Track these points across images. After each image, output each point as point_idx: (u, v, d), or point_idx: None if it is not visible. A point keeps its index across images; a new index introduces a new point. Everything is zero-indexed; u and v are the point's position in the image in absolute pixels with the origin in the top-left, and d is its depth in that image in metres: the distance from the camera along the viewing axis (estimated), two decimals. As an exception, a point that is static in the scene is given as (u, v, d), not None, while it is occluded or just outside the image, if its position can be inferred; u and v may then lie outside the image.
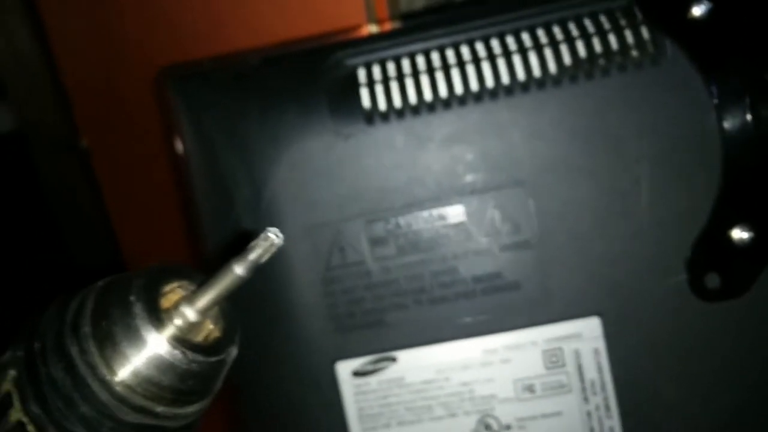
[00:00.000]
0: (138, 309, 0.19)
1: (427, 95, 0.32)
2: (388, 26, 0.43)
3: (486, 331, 0.33)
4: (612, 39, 0.31)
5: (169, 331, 0.19)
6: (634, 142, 0.31)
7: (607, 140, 0.31)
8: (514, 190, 0.32)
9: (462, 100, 0.32)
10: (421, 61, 0.33)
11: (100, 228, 0.64)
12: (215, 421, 0.29)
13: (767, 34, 0.29)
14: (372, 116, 0.32)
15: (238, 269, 0.19)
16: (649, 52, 0.30)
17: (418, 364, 0.33)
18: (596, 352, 0.32)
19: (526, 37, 0.32)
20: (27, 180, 0.68)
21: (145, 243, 0.62)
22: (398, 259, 0.33)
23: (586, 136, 0.31)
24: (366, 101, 0.32)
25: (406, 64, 0.33)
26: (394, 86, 0.32)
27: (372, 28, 0.42)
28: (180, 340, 0.19)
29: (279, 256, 0.33)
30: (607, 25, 0.31)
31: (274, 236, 0.19)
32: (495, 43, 0.32)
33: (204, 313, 0.19)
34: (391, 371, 0.33)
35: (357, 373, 0.33)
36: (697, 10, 0.29)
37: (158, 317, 0.19)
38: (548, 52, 0.31)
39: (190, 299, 0.19)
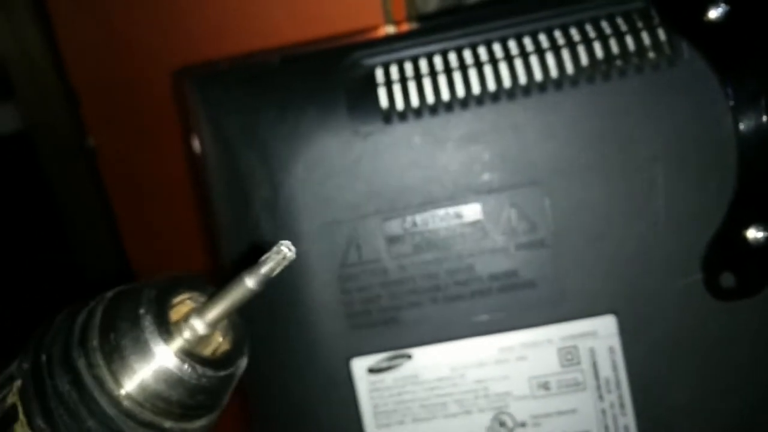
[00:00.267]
0: (147, 322, 0.18)
1: (445, 95, 0.32)
2: (405, 27, 0.43)
3: (501, 328, 0.33)
4: (629, 40, 0.31)
5: (178, 344, 0.19)
6: (651, 143, 0.31)
7: (624, 141, 0.31)
8: (530, 190, 0.32)
9: (479, 100, 0.32)
10: (438, 61, 0.33)
11: (105, 229, 0.64)
12: (229, 416, 0.29)
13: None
14: (390, 115, 0.32)
15: (250, 282, 0.19)
16: (665, 54, 0.31)
17: (433, 361, 0.33)
18: (611, 350, 0.32)
19: (543, 38, 0.32)
20: (33, 180, 0.68)
21: (150, 244, 0.62)
22: (414, 257, 0.33)
23: (603, 137, 0.31)
24: (384, 101, 0.33)
25: (423, 64, 0.33)
26: (412, 86, 0.33)
27: (389, 29, 0.42)
28: (189, 354, 0.19)
29: (297, 254, 0.34)
30: (624, 27, 0.31)
31: (286, 249, 0.19)
32: (512, 44, 0.32)
33: (213, 326, 0.19)
34: (406, 368, 0.33)
35: (372, 370, 0.34)
36: (713, 13, 0.30)
37: (167, 330, 0.19)
38: (565, 53, 0.31)
39: (199, 312, 0.19)
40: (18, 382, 0.19)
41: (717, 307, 0.31)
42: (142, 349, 0.18)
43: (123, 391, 0.18)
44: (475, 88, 0.32)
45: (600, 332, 0.32)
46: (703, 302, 0.31)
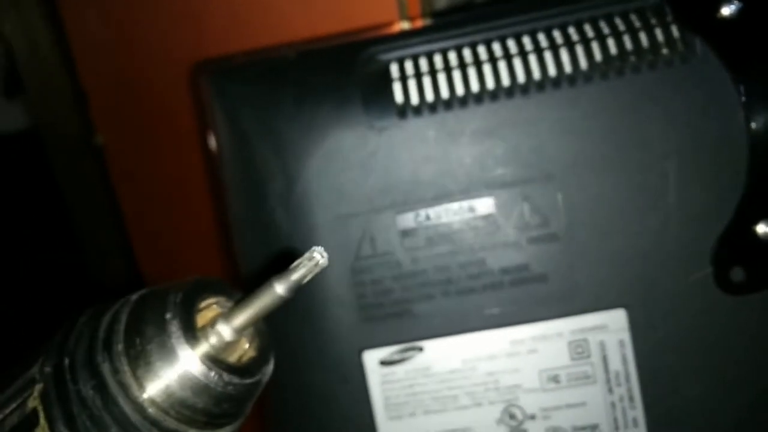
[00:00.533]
0: (174, 327, 0.18)
1: (459, 90, 0.33)
2: (420, 23, 0.44)
3: (513, 322, 0.33)
4: (642, 37, 0.31)
5: (205, 350, 0.18)
6: (663, 139, 0.31)
7: (636, 136, 0.31)
8: (543, 184, 0.32)
9: (493, 96, 0.32)
10: (453, 56, 0.33)
11: (112, 227, 0.64)
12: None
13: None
14: (404, 110, 0.33)
15: (280, 288, 0.18)
16: (678, 51, 0.31)
17: (445, 354, 0.34)
18: (621, 343, 0.32)
19: (557, 34, 0.32)
20: (41, 178, 0.68)
21: (157, 242, 0.62)
22: (427, 250, 0.33)
23: (616, 132, 0.32)
24: (399, 95, 0.33)
25: (438, 59, 0.33)
26: (426, 81, 0.33)
27: (404, 25, 0.43)
28: (215, 360, 0.18)
29: (310, 247, 0.34)
30: (637, 23, 0.32)
31: (318, 256, 0.18)
32: (526, 40, 0.33)
33: (240, 332, 0.19)
34: (418, 361, 0.34)
35: (384, 362, 0.34)
36: (726, 10, 0.30)
37: (194, 336, 0.18)
38: (579, 49, 0.32)
39: (226, 317, 0.19)
40: (39, 386, 0.19)
41: (727, 301, 0.31)
42: (168, 355, 0.18)
43: (148, 398, 0.18)
44: (489, 84, 0.32)
45: (610, 326, 0.32)
46: (713, 297, 0.31)
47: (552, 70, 0.32)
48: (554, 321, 0.33)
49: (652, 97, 0.31)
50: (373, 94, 0.33)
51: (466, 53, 0.33)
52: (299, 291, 0.19)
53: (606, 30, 0.32)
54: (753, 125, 0.30)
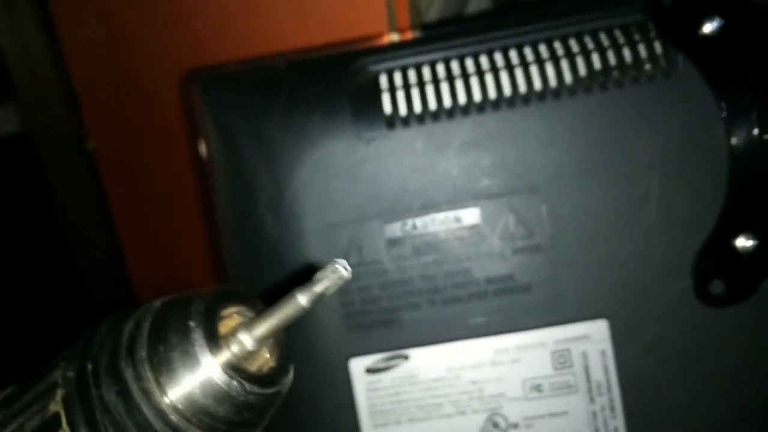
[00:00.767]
0: (197, 335, 0.18)
1: (447, 102, 0.33)
2: (409, 35, 0.44)
3: (497, 331, 0.34)
4: (626, 52, 0.32)
5: (227, 359, 0.18)
6: (645, 152, 0.32)
7: (619, 149, 0.32)
8: (528, 196, 0.33)
9: (480, 108, 0.33)
10: (441, 69, 0.34)
11: (103, 231, 0.64)
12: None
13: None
14: (393, 121, 0.33)
15: (303, 300, 0.18)
16: (661, 66, 0.32)
17: (430, 362, 0.34)
18: (603, 354, 0.33)
19: (543, 48, 0.33)
20: (33, 181, 0.68)
21: (148, 247, 0.62)
22: (414, 260, 0.34)
23: (599, 145, 0.32)
24: (387, 106, 0.34)
25: (426, 71, 0.34)
26: (415, 92, 0.34)
27: (393, 37, 0.43)
28: (237, 369, 0.18)
29: (298, 255, 0.34)
30: (621, 39, 0.32)
31: (342, 269, 0.18)
32: (513, 54, 0.33)
33: (262, 342, 0.19)
34: (403, 369, 0.34)
35: (370, 370, 0.34)
36: (708, 27, 0.31)
37: (217, 344, 0.18)
38: (564, 64, 0.32)
39: (248, 326, 0.19)
40: (61, 390, 0.19)
41: (707, 313, 0.32)
42: (191, 363, 0.18)
43: (170, 405, 0.18)
44: (477, 96, 0.33)
45: (592, 336, 0.33)
46: (694, 308, 0.32)
47: (538, 84, 0.32)
48: (538, 331, 0.33)
49: (635, 111, 0.32)
50: (362, 104, 0.34)
51: (454, 66, 0.34)
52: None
53: (590, 45, 0.32)
54: (733, 140, 0.31)
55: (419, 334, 0.34)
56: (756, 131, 0.31)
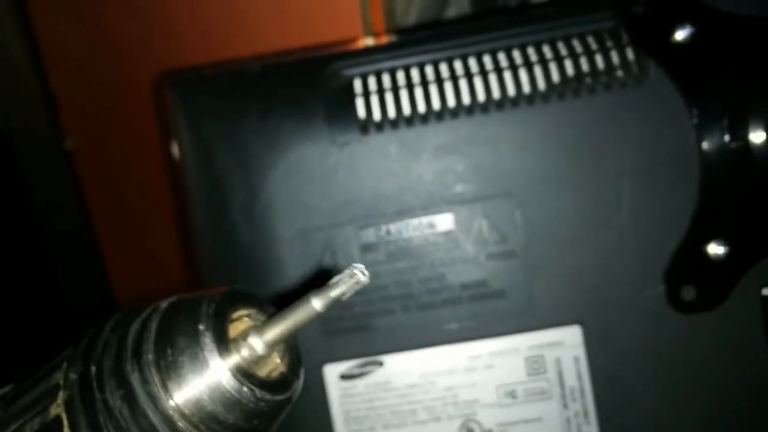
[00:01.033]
0: (207, 339, 0.17)
1: (421, 107, 0.33)
2: (384, 39, 0.44)
3: (471, 337, 0.34)
4: (598, 59, 0.32)
5: (237, 364, 0.18)
6: (618, 158, 0.32)
7: (592, 155, 0.32)
8: (502, 201, 0.33)
9: (454, 113, 0.33)
10: (415, 73, 0.34)
11: (82, 231, 0.64)
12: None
13: (746, 58, 0.31)
14: (367, 126, 0.33)
15: (317, 304, 0.17)
16: (633, 73, 0.32)
17: (404, 368, 0.34)
18: (576, 359, 0.33)
19: (517, 54, 0.33)
20: (10, 179, 0.68)
21: (128, 246, 0.62)
22: (387, 265, 0.34)
23: (572, 151, 0.32)
24: (361, 111, 0.33)
25: (401, 76, 0.34)
26: (389, 97, 0.33)
27: (368, 41, 0.43)
28: (247, 375, 0.18)
29: (272, 259, 0.34)
30: (594, 46, 0.32)
31: (360, 273, 0.18)
32: (487, 59, 0.33)
33: (273, 346, 0.18)
34: (378, 375, 0.34)
35: (344, 376, 0.34)
36: (680, 34, 0.31)
37: (227, 349, 0.18)
38: (538, 70, 0.32)
39: (259, 330, 0.18)
40: (63, 393, 0.18)
41: (678, 319, 0.32)
42: (200, 367, 0.17)
43: (177, 410, 0.17)
44: (451, 101, 0.33)
45: (566, 342, 0.33)
46: (665, 314, 0.32)
47: (511, 90, 0.32)
48: (511, 337, 0.33)
49: (607, 117, 0.32)
50: (336, 109, 0.34)
51: (429, 71, 0.34)
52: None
53: (564, 51, 0.32)
54: (704, 146, 0.31)
55: (393, 340, 0.34)
56: (727, 138, 0.31)
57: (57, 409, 0.18)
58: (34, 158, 0.65)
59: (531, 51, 0.33)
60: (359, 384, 0.34)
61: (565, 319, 0.33)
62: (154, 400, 0.17)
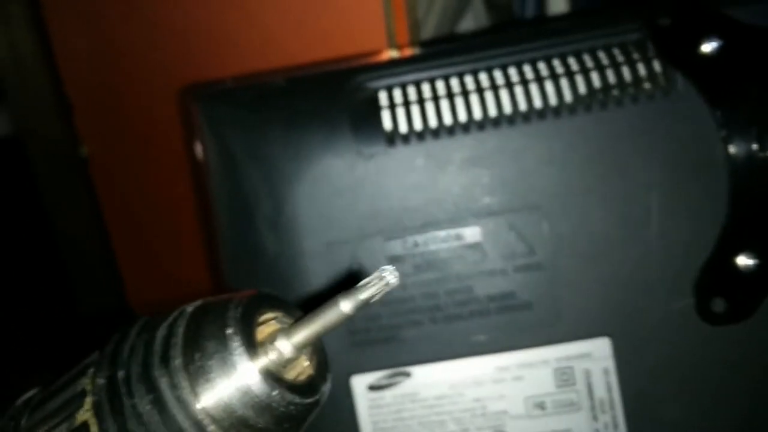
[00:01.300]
0: (236, 343, 0.17)
1: (447, 119, 0.33)
2: (408, 52, 0.44)
3: (499, 348, 0.34)
4: (625, 71, 0.32)
5: (266, 367, 0.17)
6: (645, 170, 0.32)
7: (619, 167, 0.32)
8: (529, 213, 0.33)
9: (480, 125, 0.33)
10: (441, 86, 0.34)
11: (96, 238, 0.64)
12: None
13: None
14: (393, 138, 0.33)
15: (345, 307, 0.17)
16: (660, 85, 0.32)
17: (432, 379, 0.34)
18: (606, 371, 0.33)
19: (543, 66, 0.33)
20: (24, 184, 0.68)
21: (141, 254, 0.62)
22: (415, 277, 0.34)
23: (599, 163, 0.32)
24: (387, 123, 0.33)
25: (426, 88, 0.34)
26: (415, 109, 0.33)
27: (392, 53, 0.43)
28: (276, 378, 0.18)
29: (297, 272, 0.34)
30: (620, 58, 0.32)
31: (389, 276, 0.17)
32: (513, 72, 0.33)
33: (301, 349, 0.18)
34: (406, 386, 0.34)
35: (372, 387, 0.34)
36: (707, 47, 0.31)
37: (256, 353, 0.17)
38: (564, 82, 0.32)
39: (287, 333, 0.18)
40: (91, 399, 0.18)
41: (708, 331, 0.32)
42: (229, 372, 0.17)
43: (207, 416, 0.17)
44: (477, 114, 0.33)
45: (595, 354, 0.33)
46: (695, 326, 0.32)
47: (538, 102, 0.32)
48: (540, 348, 0.33)
49: (634, 129, 0.32)
50: (361, 121, 0.34)
51: (454, 83, 0.34)
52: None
53: (590, 63, 0.32)
54: (732, 158, 0.31)
55: (421, 351, 0.34)
56: (755, 148, 0.31)
57: (84, 414, 0.18)
58: (48, 164, 0.65)
59: (557, 63, 0.33)
60: (387, 395, 0.34)
61: (593, 331, 0.33)
62: (184, 405, 0.17)
